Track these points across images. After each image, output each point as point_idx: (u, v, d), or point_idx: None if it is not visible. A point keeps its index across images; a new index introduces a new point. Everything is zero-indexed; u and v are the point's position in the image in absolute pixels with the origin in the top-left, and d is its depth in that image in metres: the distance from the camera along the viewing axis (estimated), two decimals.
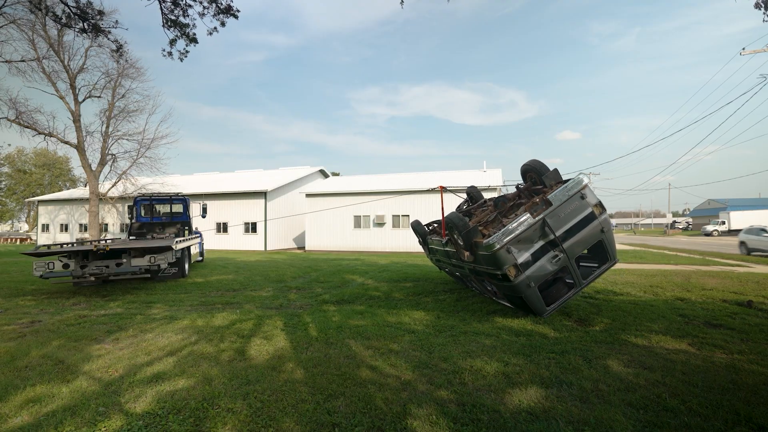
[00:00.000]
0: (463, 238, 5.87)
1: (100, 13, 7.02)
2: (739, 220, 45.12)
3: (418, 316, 6.13)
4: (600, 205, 5.79)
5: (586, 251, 6.55)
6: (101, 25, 7.04)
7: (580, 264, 6.73)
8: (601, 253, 6.28)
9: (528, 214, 5.42)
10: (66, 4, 6.77)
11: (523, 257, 5.45)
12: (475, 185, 10.90)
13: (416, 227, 8.94)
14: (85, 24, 6.92)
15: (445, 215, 6.80)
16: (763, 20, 6.00)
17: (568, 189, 5.61)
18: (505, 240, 5.28)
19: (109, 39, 7.46)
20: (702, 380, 3.56)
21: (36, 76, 22.31)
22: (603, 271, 6.21)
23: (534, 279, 5.49)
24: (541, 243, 5.52)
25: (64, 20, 6.98)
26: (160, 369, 3.93)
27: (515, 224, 5.36)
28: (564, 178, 6.34)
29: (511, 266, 5.35)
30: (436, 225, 9.15)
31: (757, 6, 6.03)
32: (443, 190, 7.66)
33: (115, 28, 7.30)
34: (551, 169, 6.47)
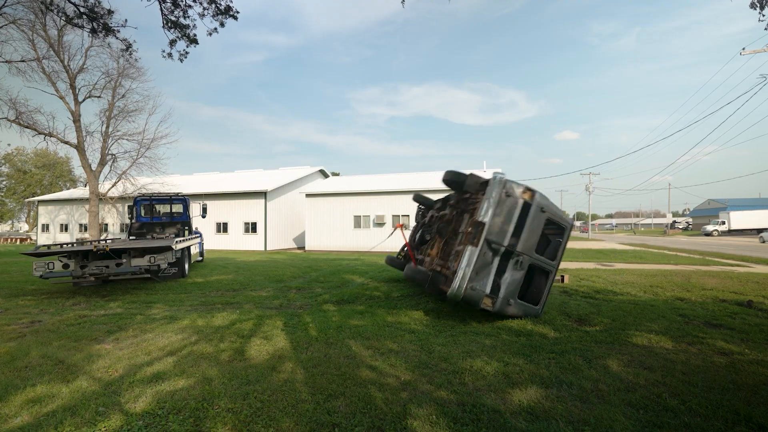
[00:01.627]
0: (430, 287, 5.98)
1: (110, 12, 7.02)
2: (739, 220, 45.11)
3: (418, 316, 6.13)
4: (528, 189, 5.71)
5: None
6: (110, 25, 7.02)
7: (545, 242, 6.65)
8: (555, 226, 6.27)
9: (470, 246, 5.40)
10: (74, 4, 6.76)
11: (490, 283, 5.46)
12: (421, 191, 10.73)
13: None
14: (94, 24, 6.91)
15: (406, 247, 6.83)
16: (759, 20, 5.98)
17: (492, 198, 5.50)
18: (464, 284, 5.30)
19: (118, 38, 7.44)
20: (702, 380, 3.56)
21: (36, 76, 22.27)
22: (566, 240, 6.28)
23: (511, 294, 5.56)
24: (497, 260, 5.51)
25: (75, 20, 6.97)
26: (160, 369, 3.93)
27: (464, 263, 5.33)
28: (500, 176, 6.03)
29: (485, 298, 5.40)
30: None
31: (752, 6, 6.01)
32: (402, 227, 7.74)
33: (124, 27, 7.28)
34: (467, 175, 6.47)
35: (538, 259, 5.81)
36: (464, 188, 6.42)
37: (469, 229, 5.55)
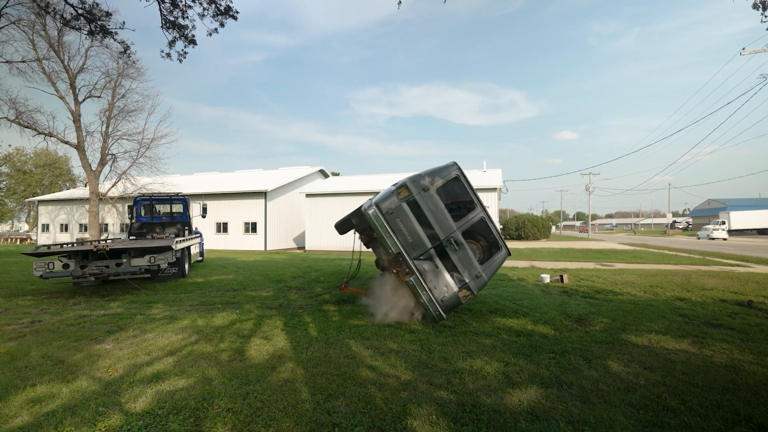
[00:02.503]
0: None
1: (108, 14, 7.00)
2: (739, 220, 44.91)
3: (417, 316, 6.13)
4: (400, 187, 5.55)
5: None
6: (108, 27, 7.01)
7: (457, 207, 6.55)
8: (450, 188, 6.16)
9: (411, 278, 5.41)
10: (72, 6, 6.75)
11: (451, 280, 5.53)
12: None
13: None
14: (92, 26, 6.90)
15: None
16: (761, 21, 5.97)
17: (381, 228, 5.38)
18: (437, 305, 5.41)
19: (115, 40, 7.42)
20: (702, 380, 3.56)
21: (36, 76, 22.22)
22: (468, 185, 6.24)
23: (473, 269, 5.59)
24: (437, 260, 5.54)
25: (72, 23, 6.95)
26: (160, 369, 3.93)
27: (419, 294, 5.41)
28: (365, 206, 5.82)
29: (461, 293, 5.50)
30: None
31: (755, 6, 5.99)
32: (344, 289, 7.56)
33: (122, 29, 7.26)
34: (347, 217, 6.57)
35: (464, 224, 5.79)
36: (349, 230, 6.34)
37: (395, 271, 5.48)
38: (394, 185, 5.65)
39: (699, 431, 2.73)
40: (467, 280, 5.55)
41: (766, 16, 5.93)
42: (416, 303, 5.72)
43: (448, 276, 5.54)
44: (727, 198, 62.02)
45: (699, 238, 39.35)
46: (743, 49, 15.98)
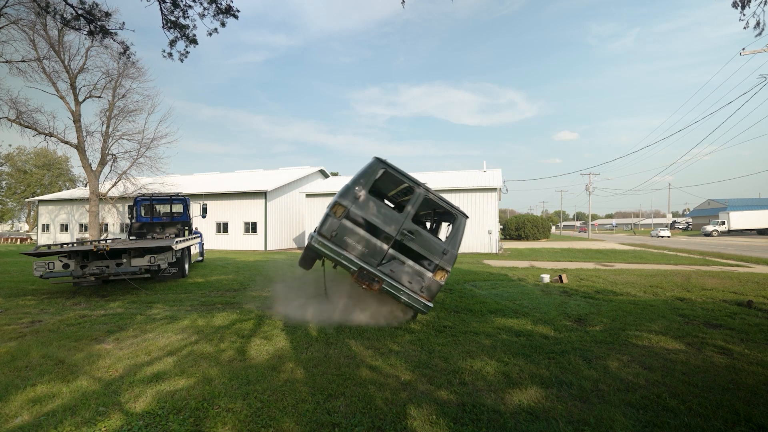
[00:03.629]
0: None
1: (107, 14, 7.00)
2: (739, 220, 45.09)
3: (418, 316, 6.13)
4: (334, 205, 5.52)
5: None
6: (108, 27, 7.00)
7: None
8: (380, 186, 6.09)
9: (384, 289, 5.43)
10: (72, 6, 6.74)
11: (423, 267, 5.50)
12: None
13: None
14: (92, 26, 6.89)
15: None
16: (740, 19, 5.94)
17: (336, 258, 5.40)
18: (420, 300, 5.43)
19: (115, 41, 7.41)
20: (702, 380, 3.56)
21: (36, 76, 22.20)
22: (402, 175, 6.10)
23: (440, 250, 5.55)
24: (402, 257, 5.51)
25: (72, 23, 6.95)
26: (161, 369, 3.93)
27: (399, 294, 5.42)
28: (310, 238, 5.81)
29: (437, 275, 5.50)
30: None
31: (734, 5, 5.96)
32: None
33: (122, 29, 7.25)
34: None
35: (411, 210, 5.68)
36: (314, 262, 6.30)
37: (364, 285, 5.46)
38: (328, 206, 5.57)
39: (699, 431, 2.73)
40: (437, 262, 5.53)
41: (744, 15, 5.90)
42: (398, 304, 5.74)
43: (417, 266, 5.52)
44: (727, 198, 62.05)
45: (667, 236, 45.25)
46: (743, 49, 15.97)
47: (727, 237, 41.92)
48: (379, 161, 5.74)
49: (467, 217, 5.95)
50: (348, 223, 5.45)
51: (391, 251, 5.49)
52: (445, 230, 6.04)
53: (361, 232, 5.47)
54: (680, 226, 73.29)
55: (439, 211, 6.43)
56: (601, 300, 7.36)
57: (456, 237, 5.73)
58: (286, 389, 3.43)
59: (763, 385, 3.48)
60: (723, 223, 45.76)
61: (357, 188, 5.54)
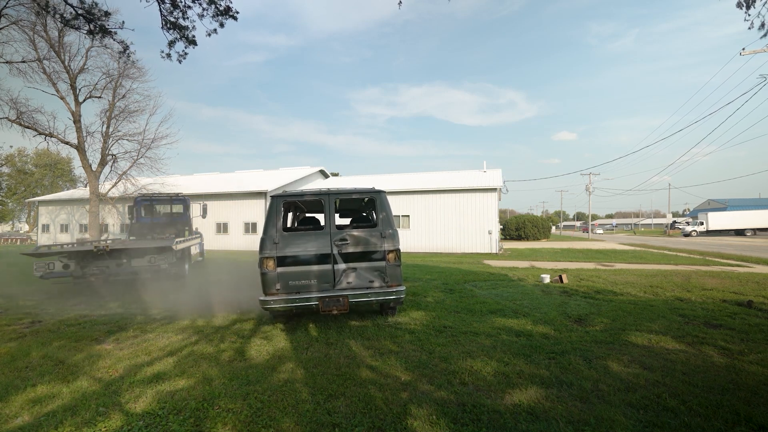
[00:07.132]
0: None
1: (107, 14, 7.00)
2: (718, 221, 46.19)
3: (418, 316, 6.13)
4: (264, 258, 5.41)
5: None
6: (107, 26, 7.00)
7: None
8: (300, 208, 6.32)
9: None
10: (71, 6, 6.75)
11: (372, 261, 5.56)
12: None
13: None
14: (91, 25, 6.89)
15: None
16: (744, 19, 5.93)
17: (279, 302, 5.31)
18: (379, 289, 5.57)
19: (115, 40, 7.41)
20: (702, 380, 3.56)
21: (37, 76, 22.19)
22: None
23: (383, 224, 5.68)
24: (344, 264, 5.53)
25: (72, 22, 6.95)
26: (161, 369, 3.93)
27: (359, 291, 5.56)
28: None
29: (389, 255, 5.59)
30: None
31: (739, 5, 5.94)
32: None
33: (121, 29, 7.25)
34: None
35: (329, 225, 5.67)
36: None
37: (334, 311, 5.45)
38: (258, 266, 5.49)
39: (699, 431, 2.73)
40: (383, 248, 5.55)
41: (749, 15, 5.88)
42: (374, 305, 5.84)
43: (369, 263, 5.53)
44: (727, 198, 62.05)
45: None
46: (743, 49, 15.97)
47: (705, 237, 42.78)
48: (275, 198, 5.69)
49: (382, 191, 5.97)
50: (283, 269, 5.39)
51: (337, 266, 5.48)
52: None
53: (300, 268, 5.42)
54: (680, 226, 73.21)
55: (356, 199, 6.50)
56: (602, 300, 7.36)
57: (384, 214, 5.74)
58: (286, 389, 3.43)
59: (763, 385, 3.48)
60: (702, 223, 46.62)
61: (271, 233, 5.46)
